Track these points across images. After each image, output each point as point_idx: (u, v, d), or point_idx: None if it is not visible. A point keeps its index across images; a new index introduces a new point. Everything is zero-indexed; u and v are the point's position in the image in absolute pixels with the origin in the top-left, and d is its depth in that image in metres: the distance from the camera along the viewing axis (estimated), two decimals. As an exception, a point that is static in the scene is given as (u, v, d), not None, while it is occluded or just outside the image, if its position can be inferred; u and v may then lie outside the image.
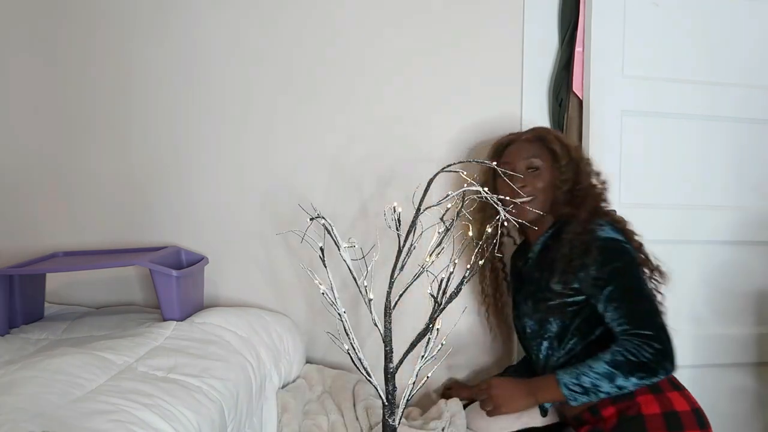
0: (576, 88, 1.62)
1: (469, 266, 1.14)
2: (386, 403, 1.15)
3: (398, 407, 1.18)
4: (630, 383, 1.19)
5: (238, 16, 1.65)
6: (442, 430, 1.41)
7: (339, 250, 1.15)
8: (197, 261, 1.64)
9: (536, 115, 1.67)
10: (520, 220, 1.18)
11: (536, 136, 1.43)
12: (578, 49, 1.62)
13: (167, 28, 1.66)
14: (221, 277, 1.71)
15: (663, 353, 1.18)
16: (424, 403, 1.70)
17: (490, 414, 1.33)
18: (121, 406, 1.03)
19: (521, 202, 1.30)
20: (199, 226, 1.70)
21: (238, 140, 1.69)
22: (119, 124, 1.69)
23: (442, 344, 1.15)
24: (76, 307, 1.70)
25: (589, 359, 1.23)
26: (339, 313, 1.16)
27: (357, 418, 1.45)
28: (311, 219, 1.15)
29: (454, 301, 1.11)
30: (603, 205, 1.41)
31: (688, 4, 1.66)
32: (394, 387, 1.16)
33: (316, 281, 1.15)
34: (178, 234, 1.71)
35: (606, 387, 1.19)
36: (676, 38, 1.66)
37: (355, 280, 1.14)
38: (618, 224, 1.37)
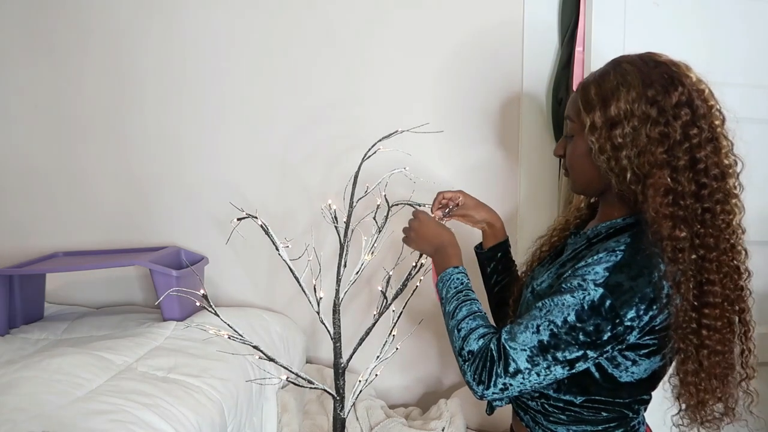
0: (576, 88, 1.62)
1: (414, 263, 1.16)
2: (336, 398, 1.17)
3: (348, 400, 1.20)
4: (457, 345, 0.93)
5: (232, 15, 1.65)
6: (442, 430, 1.41)
7: (278, 250, 1.11)
8: (197, 261, 1.64)
9: (536, 114, 1.66)
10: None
11: (581, 84, 1.03)
12: (578, 49, 1.61)
13: (165, 29, 1.66)
14: (221, 277, 1.71)
15: (502, 384, 0.87)
16: (424, 403, 1.70)
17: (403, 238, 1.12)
18: (121, 406, 1.03)
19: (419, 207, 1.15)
20: (199, 226, 1.70)
21: (238, 139, 1.68)
22: (118, 125, 1.69)
23: (396, 348, 1.22)
24: (76, 307, 1.71)
25: (474, 301, 0.97)
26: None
27: (357, 419, 1.45)
28: (238, 219, 1.08)
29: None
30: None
31: (689, 4, 1.66)
32: (344, 381, 1.18)
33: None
34: (178, 234, 1.71)
35: (449, 321, 0.96)
36: (677, 38, 1.65)
37: (297, 279, 1.14)
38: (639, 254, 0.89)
